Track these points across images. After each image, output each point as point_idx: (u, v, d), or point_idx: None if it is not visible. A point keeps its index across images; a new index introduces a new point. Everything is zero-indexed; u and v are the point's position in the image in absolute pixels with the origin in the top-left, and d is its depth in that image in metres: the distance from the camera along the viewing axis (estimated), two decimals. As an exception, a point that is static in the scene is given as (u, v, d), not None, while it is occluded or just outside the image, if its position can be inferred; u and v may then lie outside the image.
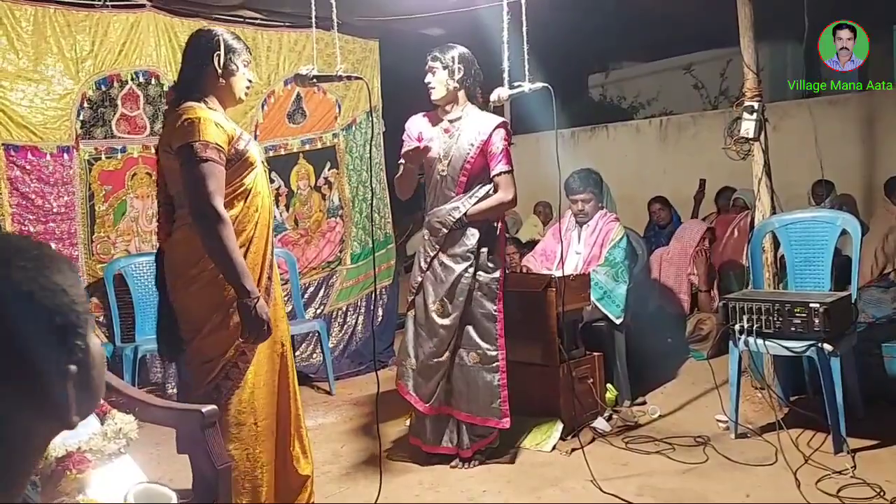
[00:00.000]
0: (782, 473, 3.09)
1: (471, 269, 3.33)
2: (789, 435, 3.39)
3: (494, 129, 3.32)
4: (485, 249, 3.36)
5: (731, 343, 3.53)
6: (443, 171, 3.38)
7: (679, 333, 5.28)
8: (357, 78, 3.14)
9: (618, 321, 4.07)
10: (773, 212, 4.03)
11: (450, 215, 3.34)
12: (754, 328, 3.36)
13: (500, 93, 3.23)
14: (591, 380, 3.81)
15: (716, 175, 6.54)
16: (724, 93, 9.21)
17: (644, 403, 4.15)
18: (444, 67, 3.32)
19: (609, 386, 4.03)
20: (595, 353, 3.89)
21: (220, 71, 2.46)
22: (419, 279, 3.43)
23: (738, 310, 3.42)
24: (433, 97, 3.38)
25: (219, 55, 2.44)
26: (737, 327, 3.41)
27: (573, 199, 4.30)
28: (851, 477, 3.01)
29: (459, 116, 3.39)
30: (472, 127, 3.35)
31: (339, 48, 3.21)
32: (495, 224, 3.43)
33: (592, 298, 3.96)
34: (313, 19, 2.99)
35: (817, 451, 3.27)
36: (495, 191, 3.36)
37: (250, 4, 4.80)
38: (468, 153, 3.32)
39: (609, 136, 8.73)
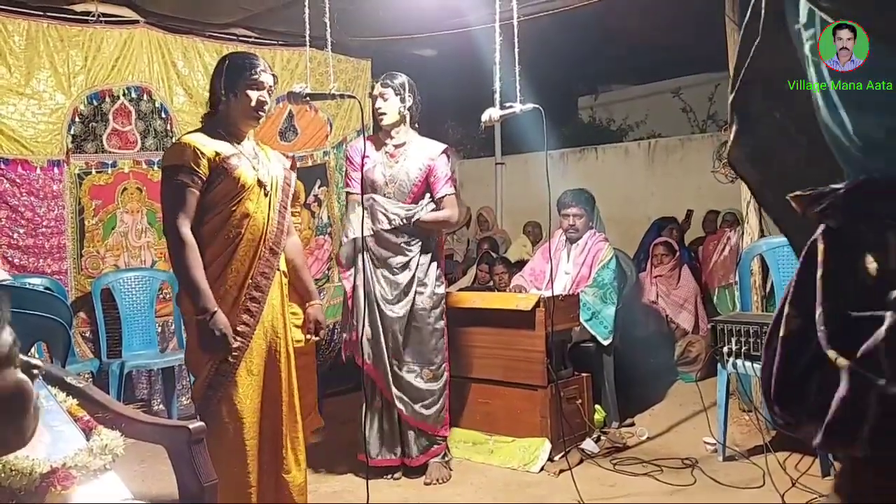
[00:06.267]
0: (770, 496, 3.08)
1: (413, 284, 3.42)
2: (777, 458, 3.39)
3: (440, 156, 3.50)
4: (431, 266, 3.48)
5: (719, 365, 3.55)
6: (389, 194, 3.47)
7: (668, 355, 5.28)
8: (350, 96, 3.16)
9: (605, 342, 4.07)
10: (762, 234, 4.06)
11: (406, 211, 3.41)
12: (742, 350, 3.37)
13: (492, 113, 3.23)
14: (580, 400, 3.81)
15: (703, 198, 6.56)
16: (712, 117, 9.28)
17: (632, 425, 4.15)
18: (396, 94, 3.43)
19: (597, 407, 4.03)
20: (583, 374, 3.89)
21: (221, 95, 2.54)
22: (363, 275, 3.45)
23: (727, 332, 3.44)
24: (384, 122, 3.46)
25: (215, 83, 2.56)
26: (725, 350, 3.42)
27: (564, 214, 4.33)
28: (838, 500, 3.01)
29: (405, 142, 3.50)
30: (419, 153, 3.48)
31: (332, 67, 3.23)
32: (436, 240, 3.56)
33: (581, 319, 3.97)
34: (307, 38, 3.01)
35: (805, 475, 3.27)
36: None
37: (243, 22, 4.81)
38: (416, 177, 3.46)
39: (598, 157, 8.77)
